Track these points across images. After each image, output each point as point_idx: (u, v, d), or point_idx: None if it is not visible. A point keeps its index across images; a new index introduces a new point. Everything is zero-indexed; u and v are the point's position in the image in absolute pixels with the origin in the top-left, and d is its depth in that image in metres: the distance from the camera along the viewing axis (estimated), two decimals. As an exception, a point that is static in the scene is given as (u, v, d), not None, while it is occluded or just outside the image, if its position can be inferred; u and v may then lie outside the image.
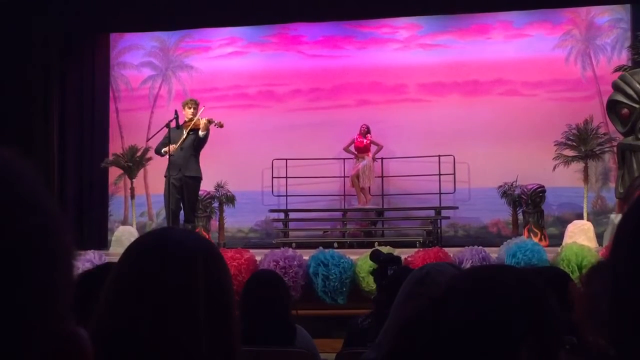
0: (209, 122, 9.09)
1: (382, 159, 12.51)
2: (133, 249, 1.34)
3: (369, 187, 12.34)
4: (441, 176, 11.96)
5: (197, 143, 9.14)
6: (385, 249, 7.35)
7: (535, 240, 9.69)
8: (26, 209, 0.64)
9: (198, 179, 9.27)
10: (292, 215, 12.43)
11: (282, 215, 12.41)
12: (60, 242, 0.67)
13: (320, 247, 8.57)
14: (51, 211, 0.67)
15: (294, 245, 10.11)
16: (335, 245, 10.46)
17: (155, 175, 11.63)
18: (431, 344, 1.23)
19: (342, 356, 3.31)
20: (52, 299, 0.65)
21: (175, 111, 9.28)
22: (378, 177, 12.48)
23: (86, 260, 8.14)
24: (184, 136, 9.13)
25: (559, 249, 8.47)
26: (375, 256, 4.54)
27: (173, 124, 9.12)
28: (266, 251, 8.65)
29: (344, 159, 12.60)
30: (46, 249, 0.65)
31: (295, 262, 8.06)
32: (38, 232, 0.64)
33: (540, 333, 1.22)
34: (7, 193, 0.64)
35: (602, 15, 12.42)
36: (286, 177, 12.50)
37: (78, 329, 0.68)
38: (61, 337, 0.65)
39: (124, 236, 10.83)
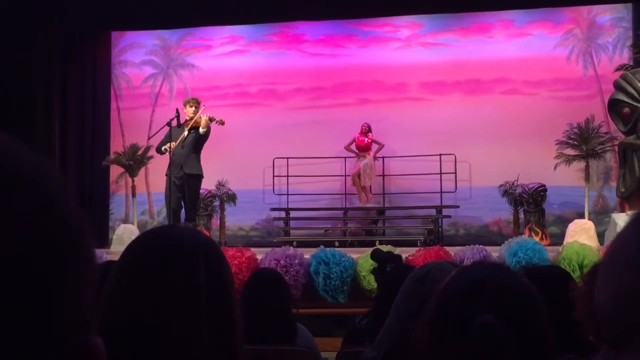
0: (210, 119, 9.09)
1: (383, 157, 12.51)
2: (134, 247, 1.34)
3: (370, 186, 12.34)
4: (442, 175, 11.96)
5: (198, 141, 9.14)
6: (386, 248, 7.35)
7: (536, 239, 9.68)
8: (26, 186, 0.58)
9: (199, 177, 9.26)
10: (293, 213, 12.43)
11: (283, 214, 12.41)
12: (70, 230, 0.60)
13: (321, 246, 8.56)
14: (60, 194, 0.61)
15: (295, 243, 10.11)
16: (336, 244, 10.46)
17: (156, 174, 11.64)
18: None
19: (343, 355, 3.31)
20: (58, 301, 0.58)
21: (177, 109, 9.28)
22: (379, 175, 12.48)
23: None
24: (185, 134, 9.13)
25: (560, 248, 8.47)
26: (376, 255, 4.54)
27: (174, 123, 9.12)
28: (267, 250, 8.64)
29: (345, 157, 12.60)
30: (52, 236, 0.59)
31: (296, 261, 8.06)
32: (41, 216, 0.58)
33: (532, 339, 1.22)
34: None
35: (604, 14, 12.42)
36: (287, 176, 12.50)
37: (94, 338, 0.61)
38: (73, 347, 0.59)
39: (125, 234, 10.83)
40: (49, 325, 0.57)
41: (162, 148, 9.20)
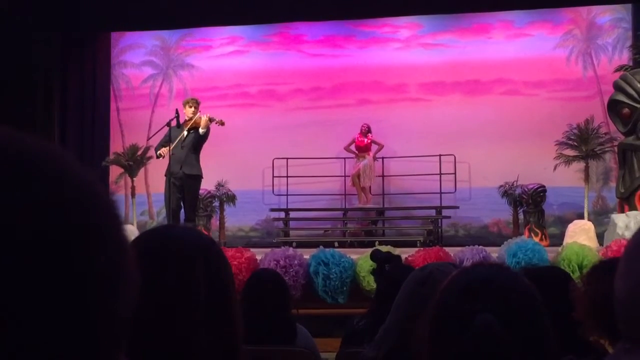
0: (210, 119, 9.07)
1: (382, 158, 12.51)
2: (133, 247, 1.34)
3: (370, 187, 12.34)
4: (442, 175, 11.96)
5: (198, 141, 9.12)
6: (385, 249, 7.34)
7: (536, 239, 9.68)
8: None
9: (199, 177, 9.24)
10: (292, 214, 12.43)
11: (282, 215, 12.40)
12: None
13: (321, 246, 8.55)
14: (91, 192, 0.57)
15: (294, 244, 10.10)
16: (336, 244, 10.46)
17: (155, 174, 11.62)
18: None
19: (342, 356, 3.30)
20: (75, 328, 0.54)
21: (176, 110, 9.26)
22: (379, 176, 12.48)
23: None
24: (185, 135, 9.12)
25: (559, 248, 8.46)
26: (375, 256, 4.53)
27: (174, 123, 9.11)
28: (267, 250, 8.62)
29: (344, 158, 12.60)
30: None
31: (296, 262, 8.05)
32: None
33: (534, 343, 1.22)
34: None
35: (603, 14, 12.42)
36: (287, 176, 12.50)
37: None
38: None
39: (124, 235, 10.82)
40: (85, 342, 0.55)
41: (158, 153, 9.20)
